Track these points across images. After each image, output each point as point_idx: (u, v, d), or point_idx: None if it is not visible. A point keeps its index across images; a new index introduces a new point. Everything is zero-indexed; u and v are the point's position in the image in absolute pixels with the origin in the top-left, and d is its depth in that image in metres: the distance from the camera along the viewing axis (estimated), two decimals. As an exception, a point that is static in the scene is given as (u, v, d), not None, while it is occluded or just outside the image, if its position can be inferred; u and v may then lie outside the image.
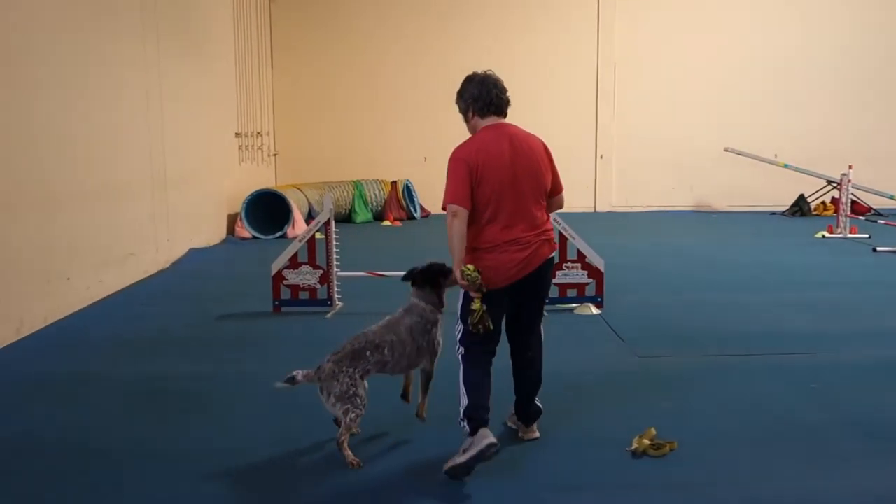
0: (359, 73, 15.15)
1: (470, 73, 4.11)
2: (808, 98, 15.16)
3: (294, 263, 7.05)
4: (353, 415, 3.83)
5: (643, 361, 5.56)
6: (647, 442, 3.97)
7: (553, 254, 4.05)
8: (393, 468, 3.84)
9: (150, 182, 9.08)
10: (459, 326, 3.96)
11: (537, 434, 4.23)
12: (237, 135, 12.83)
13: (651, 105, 15.22)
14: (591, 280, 7.01)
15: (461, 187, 3.80)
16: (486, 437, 3.69)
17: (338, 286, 7.21)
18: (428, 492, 3.61)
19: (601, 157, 15.42)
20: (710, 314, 6.88)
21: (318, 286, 7.08)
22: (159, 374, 5.36)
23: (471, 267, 3.77)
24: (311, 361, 5.59)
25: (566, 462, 3.90)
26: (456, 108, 4.16)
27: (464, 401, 3.86)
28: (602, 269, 7.00)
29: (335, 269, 7.15)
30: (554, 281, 6.97)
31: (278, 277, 7.06)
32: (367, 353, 3.93)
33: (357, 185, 14.16)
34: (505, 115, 4.07)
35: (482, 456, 3.65)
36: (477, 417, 3.78)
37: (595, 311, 6.91)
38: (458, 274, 3.79)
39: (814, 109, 15.16)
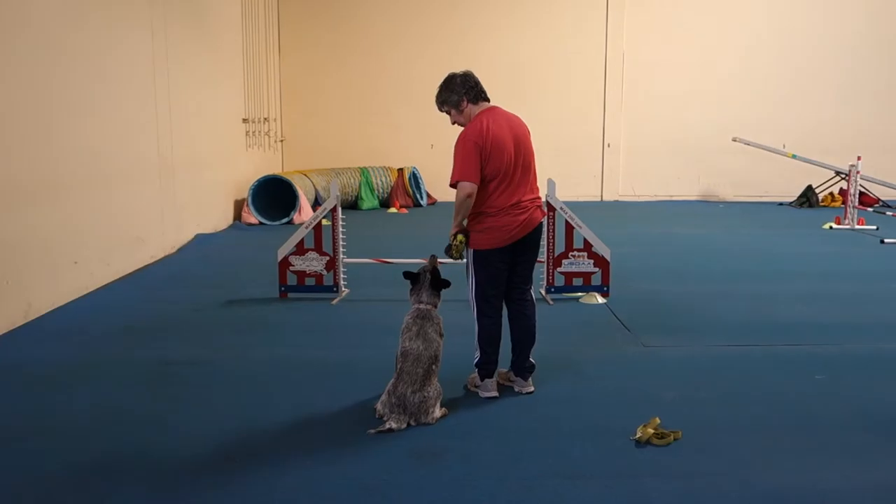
0: (366, 60, 15.12)
1: (448, 72, 4.63)
2: (816, 88, 15.09)
3: (300, 250, 7.06)
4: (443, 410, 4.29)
5: (648, 351, 5.57)
6: (651, 431, 3.97)
7: (543, 217, 4.65)
8: (395, 452, 3.86)
9: (158, 167, 9.10)
10: (473, 281, 4.52)
11: (532, 388, 4.67)
12: (244, 120, 12.84)
13: (659, 94, 15.16)
14: (597, 269, 7.01)
15: (472, 165, 4.34)
16: (489, 392, 4.56)
17: (344, 272, 7.23)
18: (433, 477, 3.62)
19: (608, 145, 15.37)
20: (715, 304, 6.87)
21: (325, 272, 7.09)
22: (165, 357, 5.38)
23: (461, 237, 4.51)
24: (318, 346, 5.65)
25: (570, 450, 3.91)
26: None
27: (477, 354, 4.59)
28: (608, 258, 7.00)
29: (341, 256, 7.16)
30: (560, 270, 7.00)
31: (285, 263, 7.07)
32: (433, 367, 4.23)
33: (364, 171, 14.16)
34: (489, 100, 4.58)
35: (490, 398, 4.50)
36: (486, 370, 4.57)
37: (601, 300, 6.91)
38: (451, 236, 4.51)
39: (823, 100, 15.09)
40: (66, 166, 6.98)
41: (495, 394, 4.57)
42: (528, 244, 4.55)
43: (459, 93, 4.49)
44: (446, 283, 4.52)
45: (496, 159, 4.36)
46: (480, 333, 4.58)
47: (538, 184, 4.69)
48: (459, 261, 4.62)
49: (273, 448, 3.94)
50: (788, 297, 7.11)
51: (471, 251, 4.52)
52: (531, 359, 4.68)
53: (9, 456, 3.87)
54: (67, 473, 3.68)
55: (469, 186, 4.33)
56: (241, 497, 3.46)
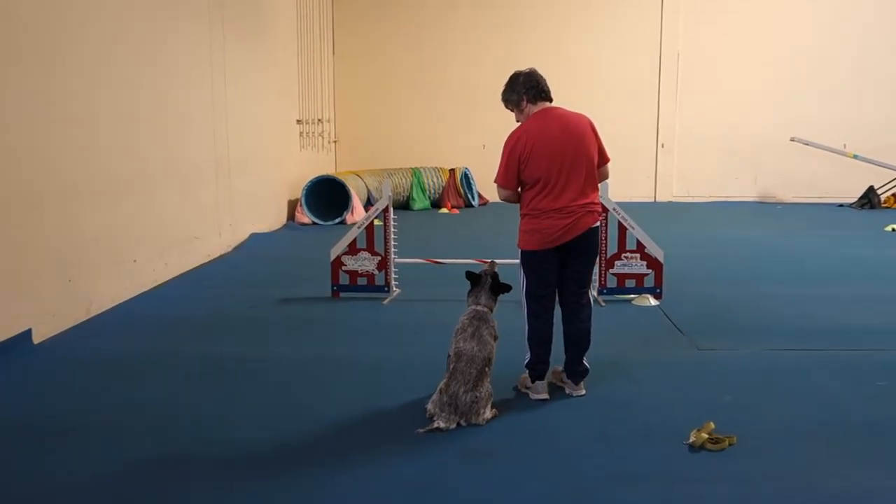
0: (419, 61, 15.19)
1: (517, 69, 4.62)
2: (878, 85, 14.65)
3: (353, 249, 7.13)
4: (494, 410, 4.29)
5: (702, 354, 5.48)
6: (705, 436, 3.91)
7: (597, 224, 4.52)
8: (447, 452, 3.87)
9: (214, 167, 9.27)
10: (523, 281, 4.54)
11: (584, 391, 4.63)
12: (298, 121, 13.00)
13: (714, 94, 14.91)
14: (650, 271, 6.93)
15: (507, 170, 4.45)
16: (540, 394, 4.54)
17: (395, 272, 7.27)
18: (485, 477, 3.63)
19: (662, 146, 15.17)
20: (772, 307, 6.73)
21: (376, 272, 7.14)
22: (221, 354, 5.49)
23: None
24: (369, 345, 5.70)
25: (622, 454, 3.87)
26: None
27: (528, 355, 4.57)
28: (661, 259, 6.91)
29: (393, 256, 7.21)
30: (612, 271, 6.94)
31: (337, 263, 7.15)
32: (486, 369, 4.22)
33: (415, 172, 14.22)
34: (551, 100, 4.56)
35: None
36: (536, 371, 4.55)
37: (654, 302, 6.83)
38: None
39: (884, 97, 14.64)
40: (126, 168, 7.16)
41: (545, 396, 4.55)
42: (576, 249, 4.46)
43: (520, 92, 4.49)
44: (506, 288, 4.56)
45: (535, 164, 4.36)
46: (530, 333, 4.58)
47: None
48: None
49: (326, 446, 3.98)
50: (848, 301, 6.93)
51: (519, 251, 4.55)
52: (585, 362, 4.64)
53: (68, 448, 3.98)
54: (126, 467, 3.77)
55: (503, 191, 4.52)
56: (294, 495, 3.51)
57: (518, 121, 4.60)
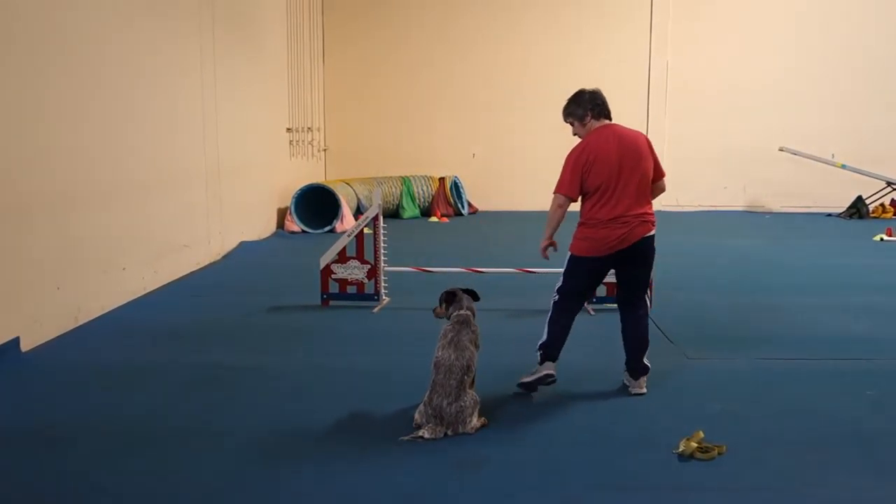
0: (408, 70, 15.20)
1: (582, 87, 4.93)
2: (866, 95, 14.75)
3: (342, 258, 7.12)
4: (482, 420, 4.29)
5: (692, 363, 5.49)
6: (694, 445, 3.92)
7: (651, 232, 4.79)
8: (436, 461, 3.86)
9: (204, 175, 9.25)
10: (562, 281, 4.84)
11: (644, 390, 4.83)
12: (288, 130, 12.99)
13: (703, 104, 14.98)
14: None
15: (569, 179, 4.71)
16: (547, 369, 4.74)
17: (385, 281, 7.26)
18: (474, 487, 3.62)
19: (652, 155, 15.21)
20: (762, 316, 6.75)
21: (366, 280, 7.14)
22: (211, 362, 5.46)
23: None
24: (359, 354, 5.69)
25: (612, 462, 3.88)
26: (563, 116, 4.93)
27: (544, 336, 4.83)
28: (651, 268, 6.91)
29: (383, 264, 7.20)
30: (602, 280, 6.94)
31: (327, 271, 7.13)
32: (465, 378, 4.23)
33: (405, 180, 14.22)
34: (611, 118, 4.88)
35: (541, 381, 4.73)
36: (548, 352, 4.78)
37: (643, 311, 6.83)
38: (542, 248, 4.86)
39: (873, 107, 14.74)
40: (115, 175, 7.13)
41: (551, 372, 4.74)
42: (631, 256, 4.74)
43: (585, 107, 4.79)
44: (476, 296, 4.72)
45: (596, 175, 4.65)
46: (551, 320, 4.83)
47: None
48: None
49: (315, 455, 3.97)
50: (838, 310, 6.96)
51: (569, 254, 4.84)
52: (645, 361, 4.86)
53: (56, 457, 3.95)
54: (114, 476, 3.75)
55: (562, 199, 4.73)
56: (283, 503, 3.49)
57: (575, 134, 4.91)
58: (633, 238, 4.70)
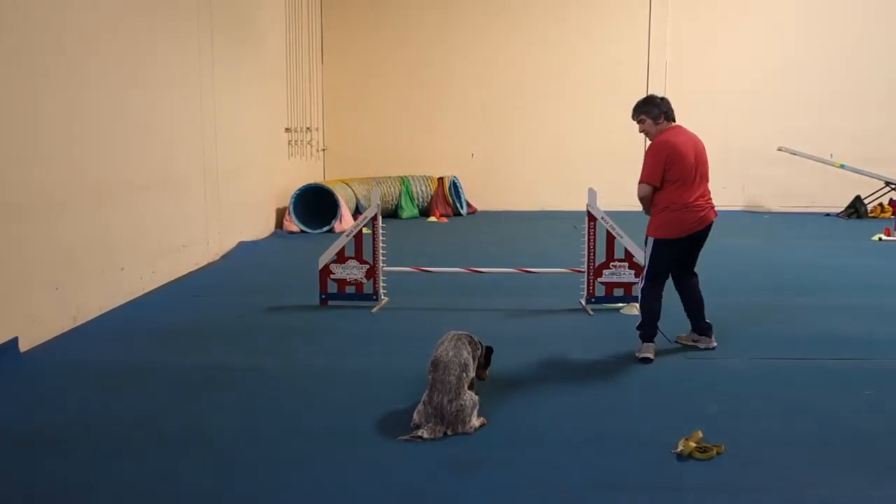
0: (407, 70, 15.20)
1: (650, 94, 5.79)
2: (865, 95, 14.75)
3: (341, 258, 7.12)
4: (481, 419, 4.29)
5: (691, 363, 5.49)
6: (693, 444, 3.92)
7: (715, 217, 5.59)
8: (435, 461, 3.86)
9: (203, 175, 9.25)
10: (647, 265, 5.58)
11: (715, 343, 5.71)
12: (287, 130, 12.99)
13: (702, 103, 14.91)
14: (638, 279, 6.93)
15: (655, 170, 5.42)
16: (646, 352, 5.47)
17: (384, 281, 7.26)
18: (474, 487, 3.62)
19: (651, 155, 15.21)
20: (760, 316, 6.76)
21: (365, 280, 7.14)
22: (210, 362, 5.46)
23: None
24: (357, 354, 5.69)
25: (612, 462, 3.88)
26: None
27: (640, 320, 5.62)
28: (650, 268, 6.92)
29: (381, 264, 7.20)
30: (600, 280, 6.96)
31: (325, 271, 7.13)
32: (464, 375, 4.26)
33: (404, 180, 14.22)
34: (675, 122, 5.64)
35: (643, 361, 5.43)
36: (645, 333, 5.55)
37: (642, 310, 6.85)
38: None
39: (871, 107, 14.74)
40: (114, 175, 7.13)
41: (650, 355, 5.42)
42: (700, 236, 5.57)
43: (661, 108, 5.55)
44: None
45: (678, 166, 5.38)
46: (643, 305, 5.63)
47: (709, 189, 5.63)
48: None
49: (314, 455, 3.97)
50: (836, 310, 6.96)
51: (651, 239, 5.53)
52: (707, 319, 5.70)
53: (55, 457, 3.95)
54: (112, 476, 3.74)
55: (646, 188, 5.44)
56: (282, 502, 3.49)
57: (642, 131, 5.61)
58: (706, 221, 5.50)
